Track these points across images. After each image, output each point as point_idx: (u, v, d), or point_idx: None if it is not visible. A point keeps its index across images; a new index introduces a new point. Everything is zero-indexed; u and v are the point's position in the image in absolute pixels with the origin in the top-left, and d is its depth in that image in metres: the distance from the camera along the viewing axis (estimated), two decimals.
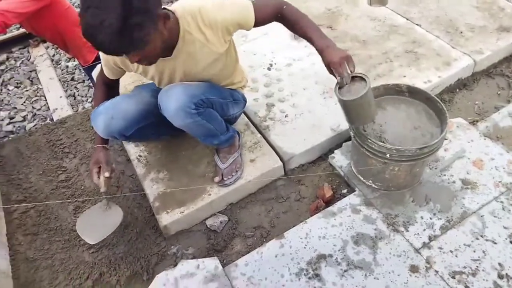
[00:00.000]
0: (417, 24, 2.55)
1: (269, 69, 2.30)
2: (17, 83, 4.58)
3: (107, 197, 1.66)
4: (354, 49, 2.41)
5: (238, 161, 1.79)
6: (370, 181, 1.66)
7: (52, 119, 4.23)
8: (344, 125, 1.93)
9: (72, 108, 4.40)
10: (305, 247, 1.53)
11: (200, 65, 1.52)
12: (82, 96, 4.47)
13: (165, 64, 1.50)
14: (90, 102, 4.40)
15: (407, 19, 2.60)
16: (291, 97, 2.12)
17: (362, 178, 1.69)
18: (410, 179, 1.60)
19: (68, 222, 1.84)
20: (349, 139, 1.90)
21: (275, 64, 2.33)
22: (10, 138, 2.29)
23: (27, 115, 4.34)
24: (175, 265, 1.63)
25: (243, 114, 2.06)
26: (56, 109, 4.31)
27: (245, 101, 1.87)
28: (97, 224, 1.63)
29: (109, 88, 1.69)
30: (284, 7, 1.48)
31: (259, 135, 1.94)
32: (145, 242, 1.74)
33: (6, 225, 1.84)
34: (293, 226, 1.64)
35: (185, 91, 1.46)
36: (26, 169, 2.10)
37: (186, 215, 1.70)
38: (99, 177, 1.60)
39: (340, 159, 1.82)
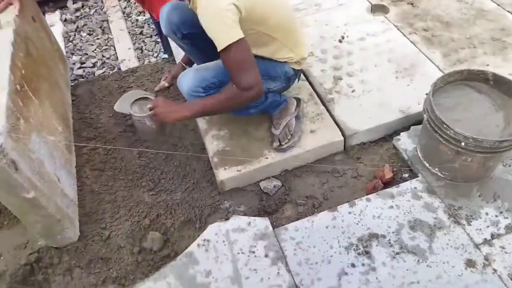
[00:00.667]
0: (508, 11, 2.34)
1: (340, 41, 2.23)
2: (89, 30, 4.80)
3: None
4: (435, 29, 2.27)
5: (291, 124, 1.78)
6: (436, 169, 1.60)
7: (119, 69, 4.44)
8: (414, 107, 1.85)
9: (139, 60, 4.58)
10: (357, 223, 1.52)
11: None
12: (149, 51, 4.62)
13: None
14: (156, 57, 4.56)
15: (498, 5, 2.39)
16: (360, 72, 2.05)
17: (427, 165, 1.62)
18: (481, 172, 1.52)
19: (132, 164, 1.95)
20: (417, 123, 1.82)
21: (347, 37, 2.25)
22: (84, 80, 2.42)
23: (97, 62, 4.57)
24: (227, 219, 1.70)
25: (307, 83, 2.04)
26: (124, 60, 4.49)
27: (289, 76, 1.76)
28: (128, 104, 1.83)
29: None
30: (234, 86, 1.46)
31: (322, 106, 1.92)
32: (200, 193, 1.81)
33: (76, 159, 1.98)
34: (347, 202, 1.63)
35: (195, 75, 1.61)
36: (97, 110, 2.23)
37: (242, 174, 1.74)
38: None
39: (406, 142, 1.76)
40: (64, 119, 1.98)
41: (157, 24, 2.89)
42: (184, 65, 2.03)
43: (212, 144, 1.85)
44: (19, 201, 1.37)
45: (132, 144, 2.04)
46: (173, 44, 2.45)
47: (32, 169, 1.41)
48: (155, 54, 4.79)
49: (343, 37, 2.25)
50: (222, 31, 1.38)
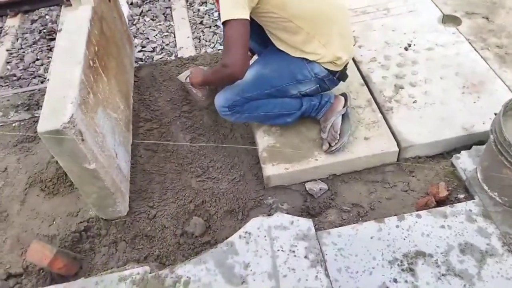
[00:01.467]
0: None
1: (406, 49, 2.16)
2: (153, 16, 4.98)
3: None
4: (510, 47, 2.13)
5: (336, 123, 1.75)
6: (496, 193, 1.50)
7: (176, 56, 4.59)
8: (478, 126, 1.76)
9: (196, 49, 4.70)
10: (404, 239, 1.47)
11: None
12: (206, 41, 4.72)
13: None
14: (212, 48, 4.65)
15: None
16: (424, 83, 1.97)
17: (486, 188, 1.53)
18: None
19: (183, 149, 2.01)
20: (480, 143, 1.73)
21: (414, 45, 2.17)
22: (147, 63, 2.53)
23: (156, 47, 4.74)
24: (269, 215, 1.71)
25: (366, 89, 1.99)
26: (182, 47, 4.62)
27: (321, 78, 1.71)
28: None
29: None
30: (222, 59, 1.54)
31: (379, 114, 1.86)
32: (245, 186, 1.83)
33: (132, 138, 2.07)
34: (395, 215, 1.58)
35: (221, 96, 1.70)
36: (156, 93, 2.32)
37: (290, 172, 1.74)
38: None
39: (465, 162, 1.67)
40: (126, 99, 2.07)
41: None
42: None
43: (263, 139, 1.86)
44: (81, 171, 1.46)
45: (185, 130, 2.10)
46: None
47: (95, 142, 1.49)
48: (212, 45, 4.89)
49: (409, 45, 2.17)
50: (229, 6, 1.47)
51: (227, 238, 1.70)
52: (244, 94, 1.68)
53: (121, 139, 1.85)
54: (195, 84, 1.95)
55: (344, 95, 1.83)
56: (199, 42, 4.72)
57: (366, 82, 2.02)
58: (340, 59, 1.67)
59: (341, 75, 1.77)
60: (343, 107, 1.78)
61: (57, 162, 1.97)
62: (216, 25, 4.88)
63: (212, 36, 4.78)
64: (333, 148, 1.72)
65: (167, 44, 4.79)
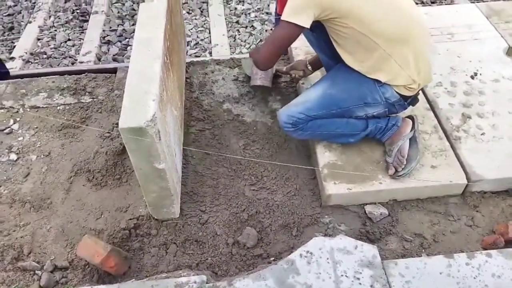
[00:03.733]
0: None
1: (472, 77, 2.10)
2: (189, 9, 4.93)
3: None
4: None
5: (403, 148, 1.69)
6: None
7: (210, 53, 4.53)
8: None
9: (230, 48, 4.65)
10: (474, 278, 1.41)
11: None
12: (242, 40, 4.67)
13: None
14: (248, 48, 4.59)
15: None
16: (491, 116, 1.91)
17: None
18: None
19: (236, 154, 1.95)
20: None
21: (480, 74, 2.11)
22: (199, 60, 2.47)
23: (191, 41, 4.69)
24: (326, 234, 1.66)
25: (432, 114, 1.93)
26: (217, 45, 4.57)
27: (391, 102, 1.65)
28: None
29: None
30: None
31: (447, 143, 1.81)
32: (301, 201, 1.78)
33: (183, 137, 2.02)
34: (461, 251, 1.53)
35: (287, 110, 1.71)
36: (209, 93, 2.26)
37: (352, 193, 1.68)
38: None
39: None
40: (181, 96, 2.02)
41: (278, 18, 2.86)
42: (307, 63, 2.01)
43: (323, 155, 1.80)
44: (150, 170, 1.40)
45: (238, 134, 2.04)
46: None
47: (165, 141, 1.44)
48: (247, 46, 4.84)
49: (475, 74, 2.11)
50: (294, 8, 1.50)
51: (280, 253, 1.66)
52: (309, 112, 1.65)
53: (177, 138, 1.79)
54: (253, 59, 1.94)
55: (411, 117, 1.77)
56: (234, 41, 4.67)
57: (432, 107, 1.96)
58: (415, 83, 1.61)
59: (412, 100, 1.71)
60: (410, 130, 1.72)
61: (106, 153, 1.94)
62: (252, 26, 4.83)
63: (248, 37, 4.72)
64: (400, 174, 1.66)
65: (202, 40, 4.74)
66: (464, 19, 2.46)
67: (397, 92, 1.63)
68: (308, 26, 1.50)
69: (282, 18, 1.52)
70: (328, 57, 1.83)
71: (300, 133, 1.72)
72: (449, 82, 2.06)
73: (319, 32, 1.65)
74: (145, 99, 1.30)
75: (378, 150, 1.80)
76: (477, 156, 1.75)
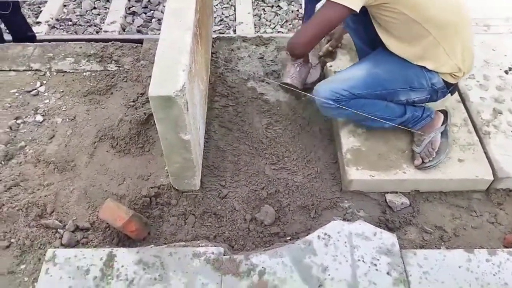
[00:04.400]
0: None
1: (506, 72, 2.03)
2: None
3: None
4: None
5: (435, 140, 1.66)
6: None
7: (234, 30, 4.48)
8: None
9: (255, 27, 4.58)
10: (494, 275, 1.39)
11: None
12: (267, 20, 4.60)
13: None
14: (273, 29, 4.52)
15: None
16: None
17: None
18: None
19: (259, 133, 1.94)
20: None
21: None
22: (226, 36, 2.44)
23: (215, 17, 4.64)
24: (344, 219, 1.66)
25: (462, 106, 1.88)
26: (242, 22, 4.52)
27: (436, 89, 1.62)
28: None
29: None
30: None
31: (476, 137, 1.76)
32: (321, 184, 1.77)
33: (207, 112, 2.01)
34: (481, 247, 1.51)
35: (328, 85, 1.62)
36: (234, 70, 2.24)
37: (374, 180, 1.66)
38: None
39: None
40: (207, 70, 2.01)
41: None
42: (343, 28, 1.97)
43: (348, 140, 1.78)
44: (175, 140, 1.41)
45: (262, 113, 2.03)
46: None
47: (192, 113, 1.44)
48: (272, 26, 4.76)
49: (510, 69, 2.04)
50: None
51: (296, 233, 1.66)
52: (353, 90, 1.58)
53: (202, 112, 1.79)
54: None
55: (444, 112, 1.73)
56: (259, 20, 4.61)
57: (463, 99, 1.91)
58: (460, 71, 1.57)
59: (453, 89, 1.67)
60: (442, 124, 1.69)
61: (130, 121, 1.96)
62: (278, 6, 4.75)
63: (273, 17, 4.65)
64: (427, 165, 1.63)
65: (226, 17, 4.69)
66: (502, 12, 2.37)
67: (442, 79, 1.59)
68: (358, 10, 1.42)
69: None
70: (365, 43, 1.79)
71: (340, 111, 1.63)
72: (482, 75, 2.00)
73: (360, 16, 1.56)
74: (176, 69, 1.29)
75: (404, 139, 1.77)
76: (505, 152, 1.70)
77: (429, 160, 1.63)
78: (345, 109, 1.60)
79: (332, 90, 1.59)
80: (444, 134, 1.68)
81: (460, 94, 1.93)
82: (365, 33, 1.68)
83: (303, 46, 1.58)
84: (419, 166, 1.65)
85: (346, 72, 1.69)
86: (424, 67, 1.55)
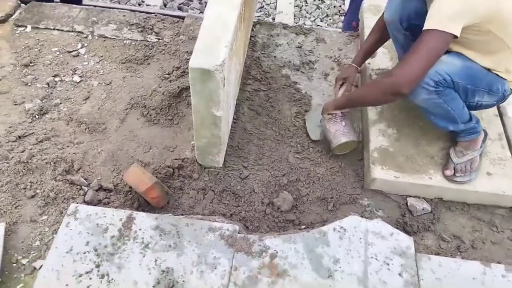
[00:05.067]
0: None
1: None
2: None
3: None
4: None
5: (475, 160, 1.63)
6: None
7: (273, 19, 4.46)
8: None
9: (294, 18, 4.55)
10: None
11: None
12: (308, 12, 4.56)
13: None
14: (312, 21, 4.48)
15: None
16: None
17: None
18: None
19: (287, 120, 1.95)
20: None
21: None
22: (266, 22, 2.44)
23: (257, 3, 4.63)
24: (362, 216, 1.64)
25: (499, 120, 1.83)
26: (282, 12, 4.49)
27: (505, 96, 1.58)
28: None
29: None
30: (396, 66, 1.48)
31: (508, 153, 1.72)
32: (343, 178, 1.76)
33: (238, 94, 2.03)
34: (498, 262, 1.48)
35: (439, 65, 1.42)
36: (271, 55, 2.24)
37: (398, 182, 1.65)
38: (339, 89, 1.85)
39: None
40: (244, 52, 2.02)
41: None
42: (357, 68, 1.86)
43: (377, 138, 1.76)
44: (207, 114, 1.43)
45: (292, 102, 2.03)
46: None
47: (227, 90, 1.45)
48: (312, 18, 4.71)
49: None
50: (446, 15, 1.31)
51: (312, 223, 1.67)
52: (454, 77, 1.45)
53: (234, 92, 1.81)
54: (330, 108, 1.75)
55: (485, 132, 1.70)
56: (300, 11, 4.57)
57: (500, 113, 1.86)
58: None
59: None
60: (481, 145, 1.66)
61: (163, 93, 1.99)
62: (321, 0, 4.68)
63: (314, 10, 4.60)
64: (458, 180, 1.61)
65: (267, 4, 4.67)
66: None
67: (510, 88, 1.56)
68: (458, 35, 1.32)
69: (431, 26, 1.32)
70: None
71: (434, 97, 1.48)
72: None
73: (415, 33, 1.48)
74: (218, 44, 1.30)
75: (434, 145, 1.74)
76: None
77: (461, 176, 1.60)
78: (438, 97, 1.48)
79: (437, 71, 1.43)
80: (480, 154, 1.66)
81: (498, 108, 1.88)
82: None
83: (411, 82, 1.39)
84: (449, 177, 1.62)
85: (445, 57, 1.48)
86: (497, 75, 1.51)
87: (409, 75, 1.37)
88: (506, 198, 1.63)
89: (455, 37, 1.32)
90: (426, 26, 1.33)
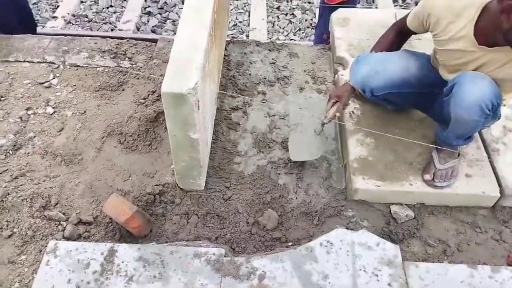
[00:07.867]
0: None
1: None
2: None
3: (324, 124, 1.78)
4: None
5: (456, 168, 1.66)
6: None
7: (247, 36, 4.50)
8: None
9: (268, 34, 4.61)
10: None
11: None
12: (280, 27, 4.63)
13: (481, 55, 1.40)
14: (286, 36, 4.54)
15: None
16: None
17: None
18: None
19: (266, 137, 1.95)
20: None
21: None
22: (239, 40, 2.45)
23: (229, 22, 4.67)
24: (347, 228, 1.64)
25: None
26: (255, 28, 4.54)
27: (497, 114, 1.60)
28: (302, 144, 1.79)
29: (400, 38, 1.72)
30: None
31: (484, 154, 1.75)
32: (326, 191, 1.76)
33: (216, 113, 2.02)
34: (484, 263, 1.49)
35: (491, 87, 1.40)
36: (246, 74, 2.24)
37: (380, 190, 1.65)
38: (330, 108, 1.71)
39: None
40: (218, 72, 2.02)
41: (326, 8, 2.65)
42: (353, 87, 1.72)
43: (355, 148, 1.77)
44: (183, 138, 1.42)
45: (269, 118, 2.03)
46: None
47: (202, 112, 1.44)
48: (285, 33, 4.77)
49: None
50: None
51: (298, 239, 1.65)
52: (500, 100, 1.45)
53: (211, 112, 1.80)
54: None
55: None
56: (273, 27, 4.63)
57: None
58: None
59: None
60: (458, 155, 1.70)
61: (139, 118, 1.97)
62: (293, 14, 4.77)
63: (287, 24, 4.67)
64: (437, 185, 1.63)
65: (240, 22, 4.72)
66: None
67: None
68: None
69: None
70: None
71: (483, 121, 1.47)
72: None
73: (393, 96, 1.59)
74: (189, 66, 1.30)
75: (412, 151, 1.76)
76: None
77: (440, 181, 1.62)
78: (485, 119, 1.47)
79: (495, 94, 1.40)
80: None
81: None
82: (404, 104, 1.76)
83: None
84: (428, 181, 1.64)
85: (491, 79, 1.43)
86: None
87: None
88: (486, 198, 1.65)
89: None
90: None
